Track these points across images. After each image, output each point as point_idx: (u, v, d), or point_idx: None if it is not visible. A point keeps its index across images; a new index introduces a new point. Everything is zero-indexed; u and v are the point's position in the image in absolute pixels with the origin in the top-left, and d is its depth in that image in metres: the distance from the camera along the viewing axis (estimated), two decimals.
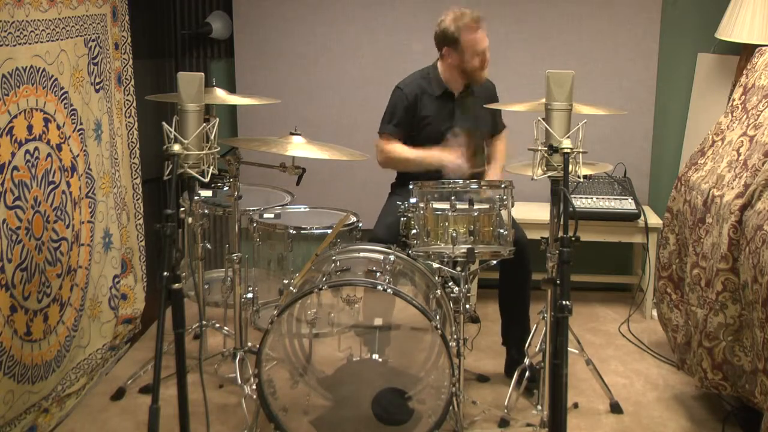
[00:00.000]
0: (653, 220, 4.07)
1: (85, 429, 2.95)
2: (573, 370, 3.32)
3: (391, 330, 2.76)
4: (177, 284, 2.05)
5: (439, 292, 2.83)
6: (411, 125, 3.35)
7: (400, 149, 3.33)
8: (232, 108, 4.43)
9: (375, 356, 2.69)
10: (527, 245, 3.18)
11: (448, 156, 3.20)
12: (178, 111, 2.31)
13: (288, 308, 2.69)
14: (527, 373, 3.08)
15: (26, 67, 2.68)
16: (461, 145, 3.24)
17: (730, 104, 3.23)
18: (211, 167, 2.32)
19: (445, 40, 3.28)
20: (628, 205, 4.06)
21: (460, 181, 2.96)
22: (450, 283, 2.85)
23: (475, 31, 3.24)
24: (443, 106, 3.36)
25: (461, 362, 2.79)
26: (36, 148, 2.76)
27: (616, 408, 3.13)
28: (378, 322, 2.76)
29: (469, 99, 3.40)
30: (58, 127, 2.92)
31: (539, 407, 2.90)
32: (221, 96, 3.13)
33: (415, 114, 3.34)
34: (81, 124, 3.11)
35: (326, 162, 3.10)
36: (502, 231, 2.85)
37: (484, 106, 3.28)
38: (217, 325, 3.50)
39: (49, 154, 2.86)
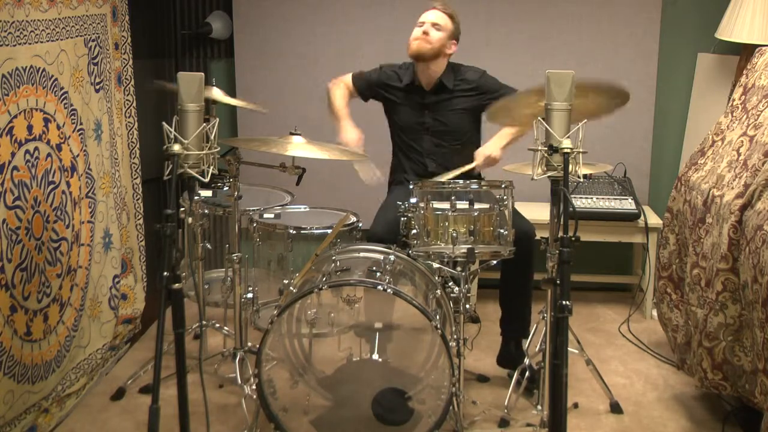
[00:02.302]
0: (653, 220, 4.07)
1: (85, 429, 2.95)
2: (573, 370, 3.32)
3: (391, 330, 2.76)
4: (177, 284, 2.05)
5: (439, 292, 2.83)
6: (371, 94, 3.52)
7: (336, 94, 3.52)
8: (233, 108, 4.43)
9: (375, 356, 2.68)
10: (533, 238, 3.16)
11: (345, 136, 3.33)
12: (178, 111, 2.31)
13: (288, 308, 2.69)
14: (527, 374, 3.08)
15: (26, 67, 2.68)
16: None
17: (730, 104, 3.23)
18: (211, 167, 2.32)
19: None
20: (628, 205, 4.07)
21: (461, 181, 2.96)
22: (450, 283, 2.85)
23: (429, 10, 3.37)
24: (410, 98, 3.43)
25: (461, 362, 2.79)
26: (36, 148, 2.76)
27: (616, 408, 3.13)
28: (378, 322, 2.76)
29: (444, 97, 3.39)
30: (58, 127, 2.92)
31: (539, 407, 2.89)
32: (219, 97, 3.13)
33: (380, 91, 3.49)
34: (81, 124, 3.11)
35: (326, 162, 3.10)
36: (502, 231, 2.85)
37: (486, 107, 3.25)
38: (217, 325, 3.50)
39: (49, 154, 2.86)
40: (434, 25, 3.31)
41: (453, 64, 3.42)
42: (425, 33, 3.31)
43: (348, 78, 3.56)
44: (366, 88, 3.52)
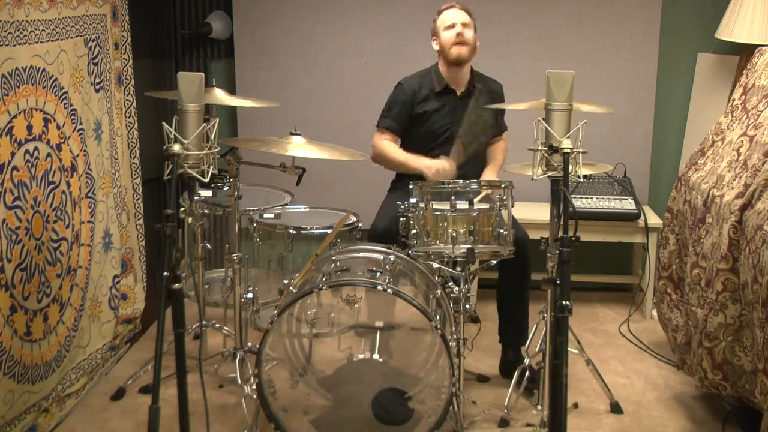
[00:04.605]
0: (653, 220, 4.07)
1: (85, 429, 2.95)
2: (573, 370, 3.32)
3: (391, 330, 2.76)
4: (177, 284, 2.05)
5: (439, 292, 2.83)
6: (409, 120, 3.37)
7: (391, 149, 3.38)
8: (232, 108, 4.43)
9: (375, 356, 2.68)
10: (528, 245, 3.18)
11: (430, 164, 3.21)
12: (178, 111, 2.31)
13: (288, 308, 2.69)
14: (527, 374, 3.08)
15: (26, 67, 2.68)
16: (456, 152, 3.26)
17: (730, 104, 3.23)
18: (211, 167, 2.32)
19: (432, 31, 3.37)
20: (628, 205, 4.06)
21: (461, 181, 2.96)
22: (450, 283, 2.85)
23: (448, 9, 3.33)
24: (443, 103, 3.37)
25: (461, 362, 2.79)
26: (36, 148, 2.76)
27: (616, 408, 3.13)
28: (378, 322, 2.76)
29: (473, 99, 3.39)
30: (58, 127, 2.92)
31: (539, 407, 2.90)
32: (221, 97, 3.13)
33: (413, 109, 3.36)
34: (81, 124, 3.11)
35: (326, 162, 3.10)
36: (501, 231, 2.85)
37: (485, 106, 3.27)
38: (217, 325, 3.50)
39: (48, 154, 2.86)
40: (463, 24, 3.29)
41: (475, 71, 3.43)
42: (460, 35, 3.27)
43: (382, 134, 3.39)
44: (402, 121, 3.37)
